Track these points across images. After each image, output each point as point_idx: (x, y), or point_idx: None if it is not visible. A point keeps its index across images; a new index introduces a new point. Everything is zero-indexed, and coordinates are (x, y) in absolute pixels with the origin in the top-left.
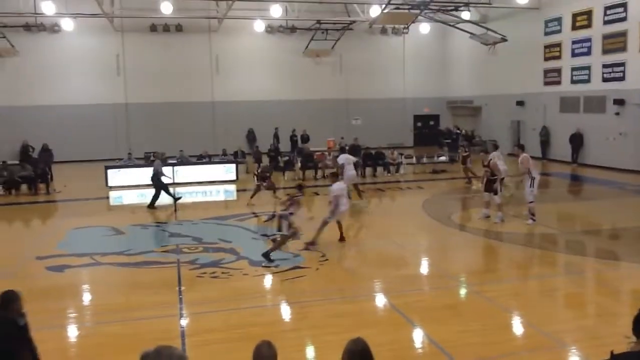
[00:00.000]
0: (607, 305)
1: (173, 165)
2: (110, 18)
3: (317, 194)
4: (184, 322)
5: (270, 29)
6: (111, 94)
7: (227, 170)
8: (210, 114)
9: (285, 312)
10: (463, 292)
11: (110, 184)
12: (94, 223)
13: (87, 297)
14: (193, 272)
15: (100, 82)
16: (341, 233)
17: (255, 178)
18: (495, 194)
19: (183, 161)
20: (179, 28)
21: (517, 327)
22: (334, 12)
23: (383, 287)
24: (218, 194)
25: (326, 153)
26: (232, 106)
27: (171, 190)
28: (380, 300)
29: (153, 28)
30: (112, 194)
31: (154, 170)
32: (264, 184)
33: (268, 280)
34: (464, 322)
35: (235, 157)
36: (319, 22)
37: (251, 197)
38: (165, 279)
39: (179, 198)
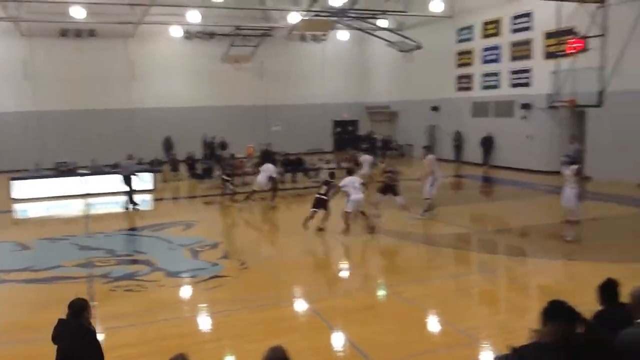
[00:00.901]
0: (517, 301)
1: (84, 175)
2: (17, 22)
3: (235, 201)
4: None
5: (188, 35)
6: (17, 102)
7: (143, 180)
8: (126, 122)
9: (205, 322)
10: (382, 293)
11: (15, 196)
12: None
13: None
14: (106, 286)
15: (5, 89)
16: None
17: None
18: (397, 195)
19: (96, 170)
20: (92, 33)
21: (434, 325)
22: (253, 18)
23: (304, 292)
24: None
25: (245, 160)
26: (150, 113)
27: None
28: (301, 305)
29: (63, 33)
30: (18, 207)
31: (124, 170)
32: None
33: (186, 291)
34: (382, 323)
35: (152, 166)
36: (237, 28)
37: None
38: (76, 294)
39: (137, 205)
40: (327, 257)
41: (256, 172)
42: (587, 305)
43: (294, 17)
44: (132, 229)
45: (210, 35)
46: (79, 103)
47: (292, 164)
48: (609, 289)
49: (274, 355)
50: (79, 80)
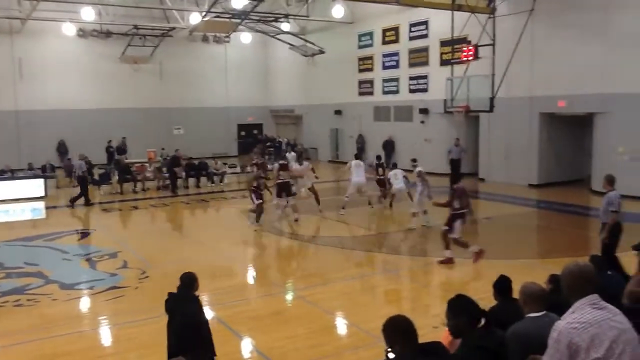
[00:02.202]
0: (420, 298)
1: None
2: None
3: (136, 207)
4: None
5: (82, 33)
6: None
7: (34, 186)
8: (12, 124)
9: (105, 336)
10: (288, 298)
11: None
12: None
13: None
14: None
15: None
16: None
17: None
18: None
19: None
20: None
21: (340, 327)
22: (152, 17)
23: (209, 299)
24: (24, 212)
25: (147, 164)
26: (40, 115)
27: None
28: (205, 314)
29: None
30: None
31: (79, 169)
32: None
33: (83, 304)
34: (290, 328)
35: (44, 172)
36: (136, 27)
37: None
38: None
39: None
40: (232, 264)
41: (158, 177)
42: (486, 301)
43: (195, 18)
44: (23, 239)
45: (107, 34)
46: None
47: (196, 169)
48: (501, 286)
49: None
50: None
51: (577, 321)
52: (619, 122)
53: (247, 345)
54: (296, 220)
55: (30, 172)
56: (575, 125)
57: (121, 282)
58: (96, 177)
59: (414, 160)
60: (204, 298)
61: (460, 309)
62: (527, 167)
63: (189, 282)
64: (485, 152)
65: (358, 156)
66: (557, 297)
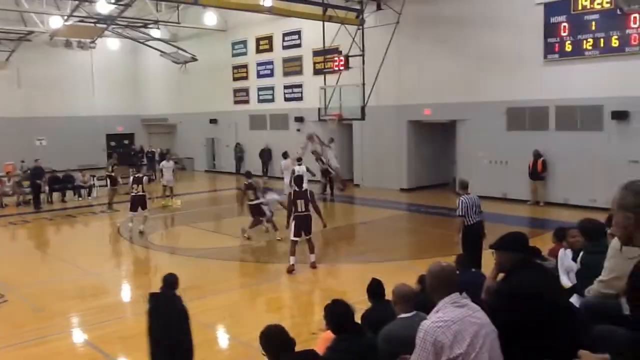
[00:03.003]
0: (303, 305)
1: None
2: None
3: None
4: None
5: None
6: None
7: None
8: None
9: None
10: None
11: None
12: None
13: None
14: None
15: None
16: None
17: None
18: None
19: None
20: None
21: (221, 340)
22: (7, 20)
23: (76, 321)
24: None
25: (5, 179)
26: None
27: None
28: (74, 336)
29: None
30: None
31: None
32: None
33: None
34: None
35: None
36: None
37: None
38: None
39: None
40: (101, 282)
41: (18, 192)
42: (361, 304)
43: (56, 22)
44: None
45: None
46: None
47: (60, 182)
48: (374, 289)
49: None
50: None
51: (441, 319)
52: (478, 129)
53: None
54: (141, 232)
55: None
56: (440, 132)
57: None
58: None
59: (299, 160)
60: (71, 320)
61: (329, 313)
62: (397, 173)
63: (171, 283)
64: (358, 158)
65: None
66: (426, 296)
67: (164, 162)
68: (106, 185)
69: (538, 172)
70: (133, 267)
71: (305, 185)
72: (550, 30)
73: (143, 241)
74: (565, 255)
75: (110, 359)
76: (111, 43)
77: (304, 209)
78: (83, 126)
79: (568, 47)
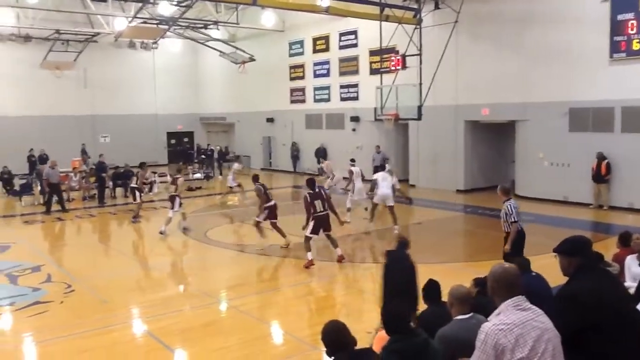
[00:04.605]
0: (353, 304)
1: None
2: None
3: (60, 219)
4: None
5: (0, 37)
6: None
7: None
8: None
9: (29, 353)
10: (221, 308)
11: None
12: None
13: None
14: None
15: None
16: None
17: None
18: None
19: None
20: None
21: (274, 336)
22: (75, 22)
23: (138, 313)
24: None
25: (71, 174)
26: None
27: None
28: (135, 327)
29: None
30: None
31: (53, 177)
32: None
33: (4, 321)
34: (222, 338)
35: None
36: (58, 32)
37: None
38: None
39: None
40: (161, 275)
41: (84, 187)
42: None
43: (121, 23)
44: None
45: (26, 38)
46: None
47: (123, 177)
48: (430, 290)
49: None
50: None
51: (503, 322)
52: (539, 129)
53: (178, 358)
54: (185, 228)
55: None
56: (499, 133)
57: (45, 297)
58: (17, 187)
59: (352, 161)
60: (132, 311)
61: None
62: (454, 173)
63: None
64: (414, 158)
65: (383, 168)
66: (483, 299)
67: (235, 165)
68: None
69: (602, 174)
70: (190, 262)
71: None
72: (616, 27)
73: (202, 236)
74: (632, 262)
75: (169, 349)
76: (172, 44)
77: (322, 209)
78: (145, 124)
79: (636, 46)
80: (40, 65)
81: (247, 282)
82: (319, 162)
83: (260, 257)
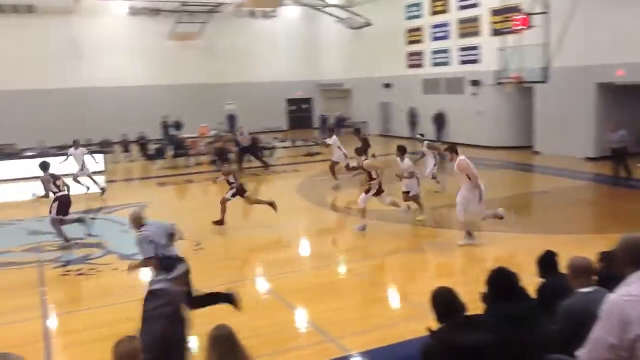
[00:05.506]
0: (472, 273)
1: (31, 157)
2: None
3: (190, 181)
4: (48, 323)
5: (133, 11)
6: None
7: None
8: (71, 102)
9: None
10: (338, 270)
11: None
12: None
13: None
14: (57, 271)
15: None
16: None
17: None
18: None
19: (43, 152)
20: (30, 9)
21: (391, 300)
22: None
23: (259, 271)
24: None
25: (199, 140)
26: (96, 93)
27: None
28: (256, 284)
29: (0, 9)
30: None
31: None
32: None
33: (140, 273)
34: (340, 299)
35: (101, 147)
36: (183, 4)
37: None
38: (26, 280)
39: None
40: (285, 237)
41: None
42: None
43: None
44: (83, 212)
45: (156, 11)
46: (19, 83)
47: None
48: (547, 261)
49: (218, 332)
50: (17, 59)
51: (630, 294)
52: None
53: (296, 315)
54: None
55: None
56: (635, 96)
57: (176, 253)
58: (151, 152)
59: (422, 135)
60: (256, 269)
61: (489, 281)
62: (583, 140)
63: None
64: (539, 124)
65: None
66: (607, 273)
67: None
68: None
69: None
70: (307, 225)
71: None
72: None
73: (320, 201)
74: None
75: (290, 307)
76: (290, 11)
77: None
78: (265, 91)
79: None
80: (168, 36)
81: (364, 246)
82: (438, 130)
83: (376, 223)
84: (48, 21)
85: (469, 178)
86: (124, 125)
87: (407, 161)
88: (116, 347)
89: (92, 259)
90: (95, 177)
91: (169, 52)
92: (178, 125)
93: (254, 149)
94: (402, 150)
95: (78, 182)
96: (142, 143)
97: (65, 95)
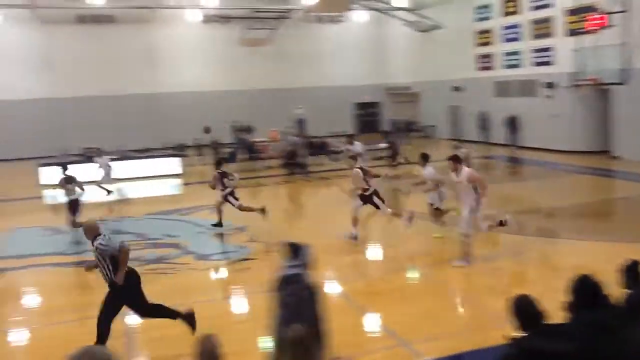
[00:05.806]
0: (548, 281)
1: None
2: (34, 9)
3: (261, 184)
4: (130, 319)
5: (206, 19)
6: (39, 89)
7: (171, 164)
8: (147, 107)
9: (236, 303)
10: (412, 275)
11: (43, 182)
12: (28, 223)
13: (31, 300)
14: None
15: (25, 77)
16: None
17: None
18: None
19: (123, 155)
20: (110, 19)
21: (466, 306)
22: (269, 0)
23: (331, 274)
24: (162, 188)
25: (270, 144)
26: (171, 98)
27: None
28: (329, 287)
29: (81, 19)
30: (47, 193)
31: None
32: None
33: (216, 273)
34: (412, 304)
35: (176, 151)
36: (254, 11)
37: None
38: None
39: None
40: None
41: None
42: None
43: None
44: (161, 213)
45: (227, 18)
46: (98, 89)
47: (316, 147)
48: (633, 271)
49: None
50: (97, 66)
51: None
52: None
53: (369, 319)
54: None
55: (165, 151)
56: None
57: (250, 255)
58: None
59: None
60: (326, 273)
61: (573, 288)
62: None
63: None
64: (619, 128)
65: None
66: None
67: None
68: None
69: None
70: (379, 229)
71: None
72: None
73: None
74: None
75: (361, 310)
76: (359, 15)
77: None
78: (333, 95)
79: None
80: (239, 43)
81: (437, 252)
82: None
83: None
84: (126, 30)
85: (475, 189)
86: (197, 130)
87: (429, 169)
88: (199, 345)
89: (170, 258)
90: (106, 185)
91: (240, 58)
92: (249, 130)
93: (324, 151)
94: (424, 158)
95: (102, 188)
96: (215, 147)
97: (141, 101)
